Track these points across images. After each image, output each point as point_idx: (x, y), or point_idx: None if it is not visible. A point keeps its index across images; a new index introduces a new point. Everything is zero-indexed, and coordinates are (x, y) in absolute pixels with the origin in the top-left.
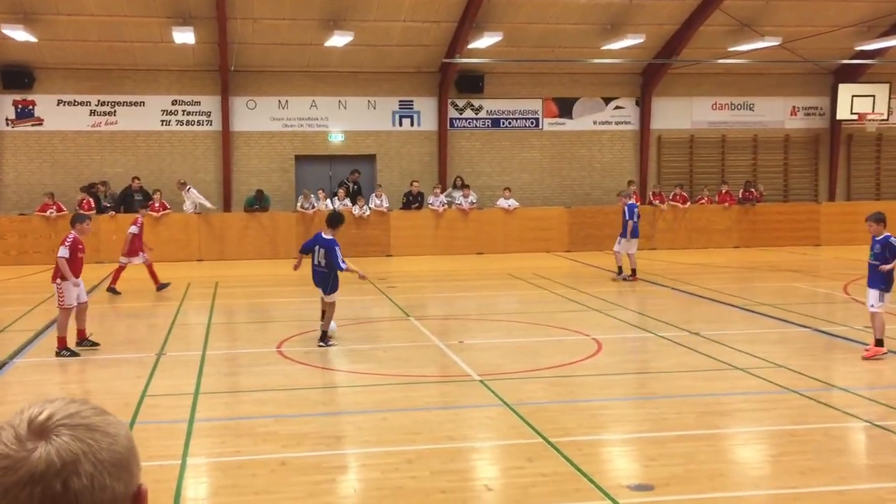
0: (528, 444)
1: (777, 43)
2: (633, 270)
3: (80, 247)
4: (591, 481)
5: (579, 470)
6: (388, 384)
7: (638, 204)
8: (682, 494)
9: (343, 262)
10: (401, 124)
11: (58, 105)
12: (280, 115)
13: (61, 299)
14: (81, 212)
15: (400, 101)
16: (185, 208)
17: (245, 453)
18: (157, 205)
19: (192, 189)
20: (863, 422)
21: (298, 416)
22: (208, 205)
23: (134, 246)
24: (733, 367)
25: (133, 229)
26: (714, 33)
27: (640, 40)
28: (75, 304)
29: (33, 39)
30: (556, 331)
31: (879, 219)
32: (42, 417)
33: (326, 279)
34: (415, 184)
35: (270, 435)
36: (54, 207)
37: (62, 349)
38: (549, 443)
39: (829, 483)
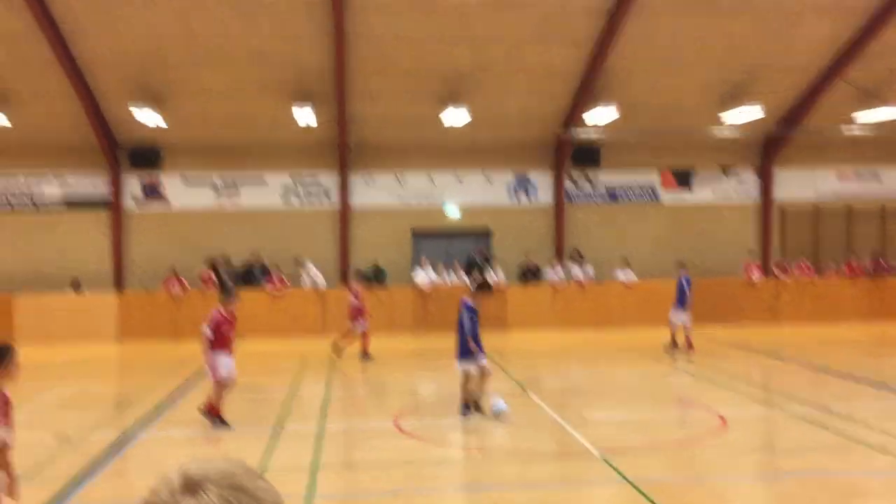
0: None
1: None
2: (689, 342)
3: (227, 324)
4: None
5: None
6: (506, 460)
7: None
8: None
9: (469, 328)
10: (517, 198)
11: (183, 183)
12: (397, 190)
13: (214, 371)
14: (229, 288)
15: (516, 175)
16: (302, 283)
17: None
18: (276, 280)
19: (309, 265)
20: None
21: (415, 491)
22: (320, 283)
23: (356, 313)
24: (867, 445)
25: (352, 299)
26: (836, 102)
27: (760, 110)
28: (228, 375)
29: (163, 125)
30: (678, 405)
31: None
32: (196, 474)
33: (458, 343)
34: (531, 257)
35: None
36: (178, 283)
37: (215, 417)
38: None
39: None
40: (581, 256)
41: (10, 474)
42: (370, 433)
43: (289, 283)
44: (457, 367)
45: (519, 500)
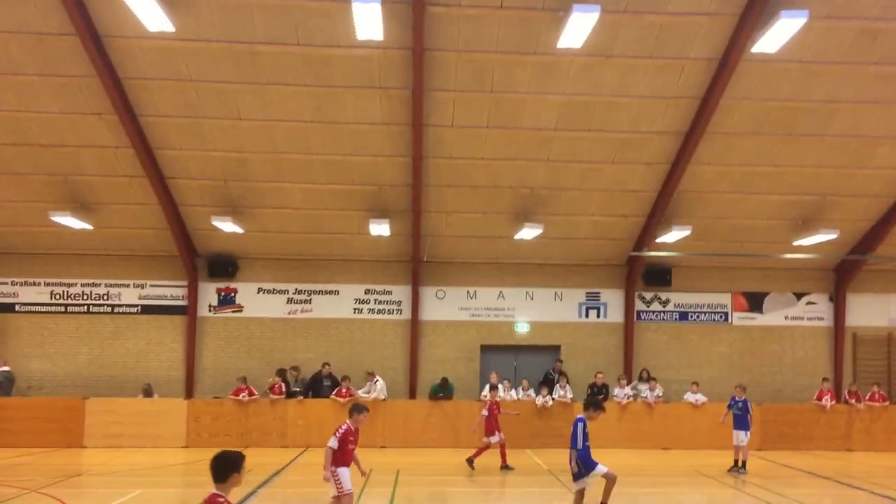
0: None
1: None
2: (744, 462)
3: (352, 438)
4: None
5: None
6: None
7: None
8: None
9: (581, 441)
10: (587, 315)
11: (257, 293)
12: (468, 304)
13: (339, 486)
14: (359, 402)
15: (587, 293)
16: (365, 394)
17: None
18: (344, 391)
19: (379, 380)
20: None
21: None
22: (382, 395)
23: (490, 426)
24: None
25: (484, 412)
26: None
27: (834, 236)
28: (351, 489)
29: (240, 231)
30: None
31: None
32: None
33: (571, 460)
34: (599, 375)
35: None
36: (247, 391)
37: None
38: None
39: None
40: (651, 377)
41: None
42: None
43: (356, 394)
44: (574, 484)
45: None
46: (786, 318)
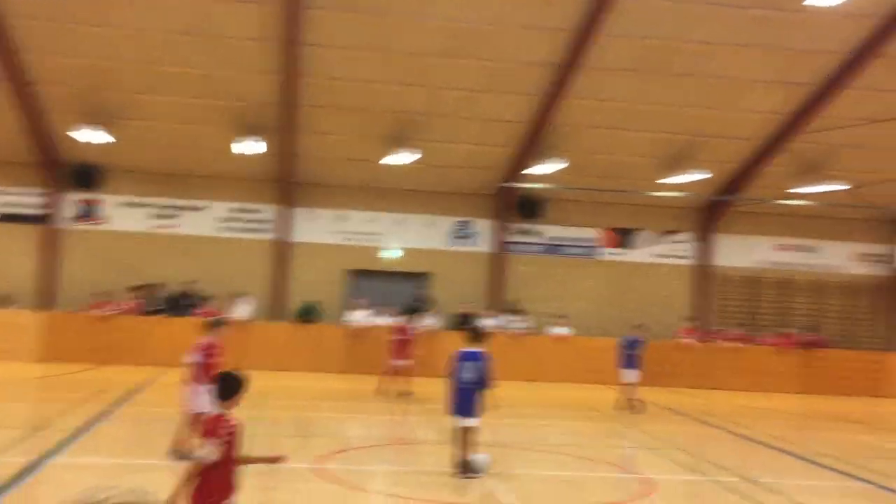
0: None
1: (845, 188)
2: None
3: (215, 352)
4: None
5: None
6: None
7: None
8: None
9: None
10: (457, 244)
11: (123, 206)
12: (338, 227)
13: (191, 403)
14: (220, 317)
15: (458, 222)
16: (234, 315)
17: None
18: (209, 310)
19: (244, 300)
20: None
21: None
22: (246, 315)
23: (398, 351)
24: None
25: (393, 337)
26: (779, 174)
27: (703, 176)
28: (206, 410)
29: (107, 141)
30: (606, 467)
31: None
32: (99, 499)
33: (472, 398)
34: (467, 304)
35: None
36: (108, 307)
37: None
38: None
39: None
40: (518, 308)
41: None
42: (291, 475)
43: (220, 314)
44: (470, 423)
45: None
46: (653, 255)
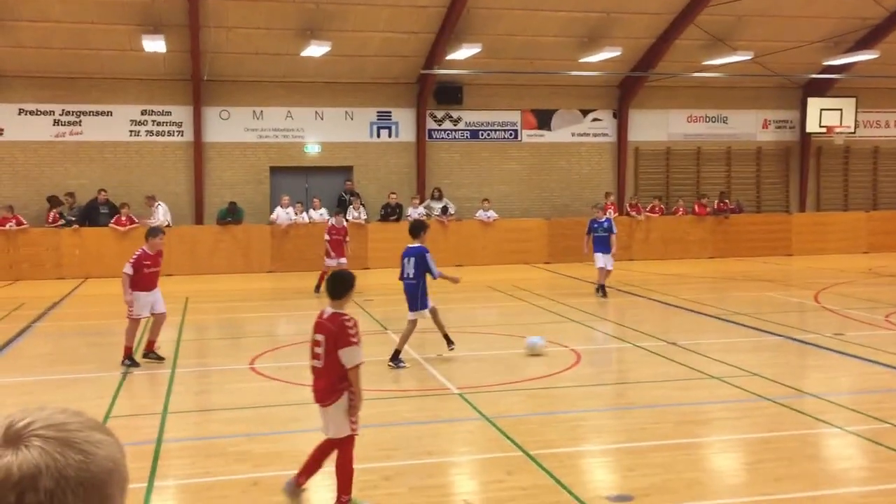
0: (507, 457)
1: (749, 57)
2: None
3: (148, 262)
4: (571, 493)
5: (559, 482)
6: (365, 399)
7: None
8: None
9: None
10: (378, 135)
11: (18, 114)
12: (254, 125)
13: (130, 310)
14: (155, 225)
15: (378, 112)
16: (151, 222)
17: (215, 474)
18: (124, 219)
19: (161, 205)
20: (834, 427)
21: (271, 434)
22: (165, 222)
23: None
24: (709, 376)
25: (326, 236)
26: (689, 47)
27: (617, 53)
28: (145, 314)
29: None
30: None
31: None
32: (20, 424)
33: (416, 292)
34: (392, 195)
35: (242, 454)
36: (13, 221)
37: (126, 358)
38: (529, 455)
39: (803, 489)
40: (443, 194)
41: None
42: (225, 376)
43: (137, 222)
44: (415, 315)
45: (379, 438)
46: (572, 134)
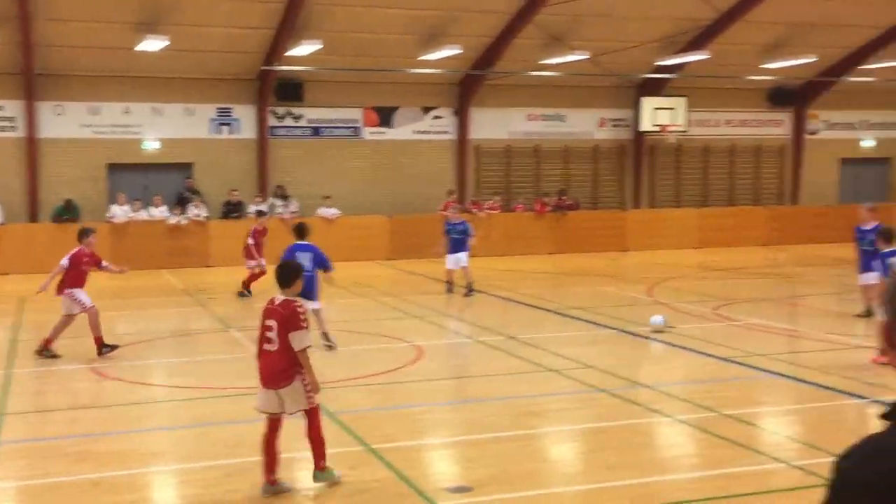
0: (350, 451)
1: (585, 57)
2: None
3: (86, 259)
4: (412, 486)
5: (401, 475)
6: (209, 397)
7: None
8: (500, 494)
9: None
10: (219, 132)
11: None
12: (90, 121)
13: (83, 304)
14: (87, 226)
15: (218, 109)
16: None
17: (55, 475)
18: None
19: None
20: (665, 417)
21: (113, 433)
22: None
23: (250, 252)
24: (547, 368)
25: (249, 240)
26: (527, 46)
27: (458, 51)
28: (76, 312)
29: None
30: (378, 338)
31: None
32: None
33: (314, 284)
34: (234, 192)
35: (83, 455)
36: None
37: (102, 347)
38: (371, 450)
39: (635, 476)
40: (285, 192)
41: None
42: (65, 376)
43: None
44: (314, 306)
45: (222, 435)
46: (414, 132)
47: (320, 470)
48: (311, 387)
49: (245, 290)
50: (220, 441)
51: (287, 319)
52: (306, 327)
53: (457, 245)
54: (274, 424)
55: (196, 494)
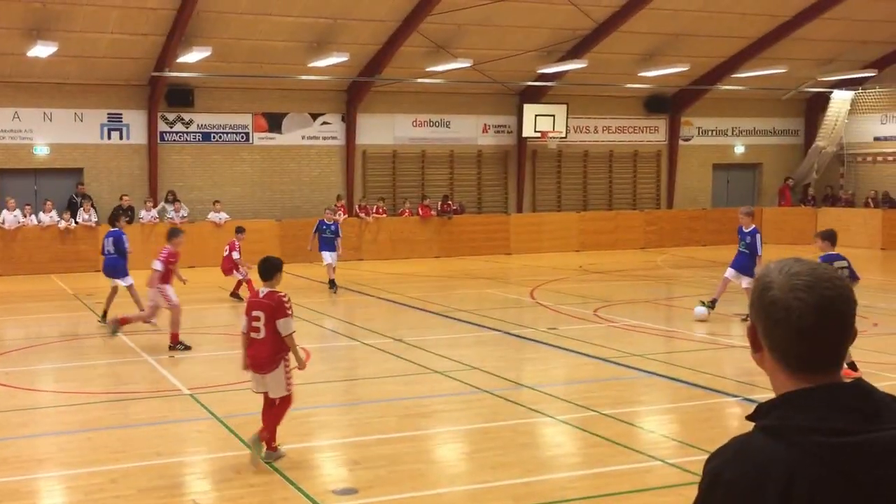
0: (236, 455)
1: (468, 64)
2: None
3: (174, 259)
4: (299, 489)
5: (286, 478)
6: (95, 402)
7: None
8: (386, 496)
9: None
10: (109, 137)
11: None
12: None
13: (168, 300)
14: (176, 227)
15: (108, 114)
16: None
17: None
18: None
19: None
20: (547, 417)
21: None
22: None
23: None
24: (433, 370)
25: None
26: (413, 54)
27: (345, 58)
28: (164, 306)
29: None
30: None
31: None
32: None
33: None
34: (125, 198)
35: None
36: None
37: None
38: None
39: (518, 475)
40: (176, 198)
41: None
42: None
43: None
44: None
45: (108, 440)
46: (303, 137)
47: (271, 449)
48: (299, 366)
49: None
50: (105, 446)
51: (274, 309)
52: (291, 315)
53: (328, 244)
54: (268, 401)
55: (79, 501)
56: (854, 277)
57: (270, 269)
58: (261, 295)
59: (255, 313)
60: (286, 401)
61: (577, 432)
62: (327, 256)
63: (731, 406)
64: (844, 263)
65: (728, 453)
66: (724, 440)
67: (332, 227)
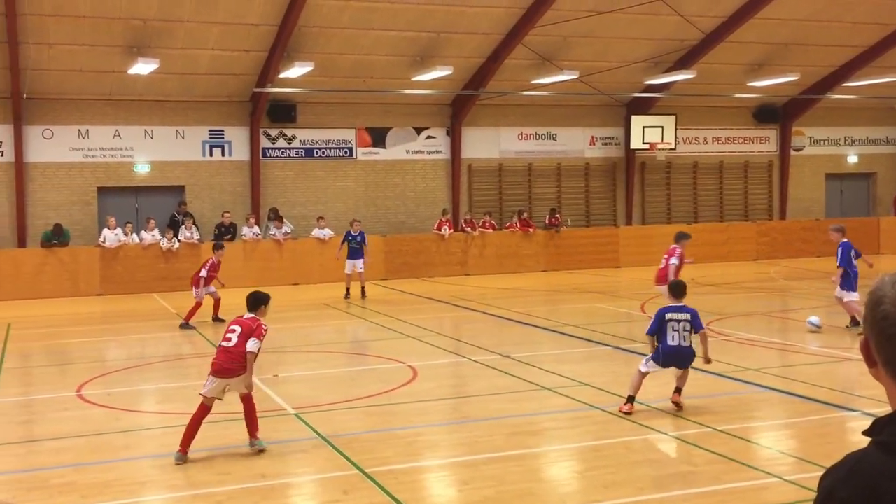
0: (343, 476)
1: (574, 76)
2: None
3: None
4: None
5: (395, 499)
6: (203, 424)
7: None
8: None
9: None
10: (211, 154)
11: None
12: (80, 144)
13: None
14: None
15: (210, 131)
16: None
17: None
18: None
19: None
20: (659, 433)
21: (99, 463)
22: None
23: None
24: (541, 387)
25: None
26: (518, 66)
27: (449, 72)
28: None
29: None
30: (371, 359)
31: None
32: None
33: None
34: (226, 215)
35: (68, 486)
36: None
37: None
38: (365, 473)
39: (631, 494)
40: (278, 214)
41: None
42: (50, 405)
43: None
44: None
45: (212, 462)
46: (407, 151)
47: (255, 439)
48: (247, 388)
49: (217, 317)
50: (210, 468)
51: (250, 328)
52: (262, 339)
53: (354, 253)
54: (205, 410)
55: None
56: None
57: (256, 302)
58: (244, 317)
59: (232, 326)
60: (250, 398)
61: (691, 449)
62: (358, 265)
63: (850, 421)
64: None
65: (842, 471)
66: (841, 456)
67: (359, 238)
